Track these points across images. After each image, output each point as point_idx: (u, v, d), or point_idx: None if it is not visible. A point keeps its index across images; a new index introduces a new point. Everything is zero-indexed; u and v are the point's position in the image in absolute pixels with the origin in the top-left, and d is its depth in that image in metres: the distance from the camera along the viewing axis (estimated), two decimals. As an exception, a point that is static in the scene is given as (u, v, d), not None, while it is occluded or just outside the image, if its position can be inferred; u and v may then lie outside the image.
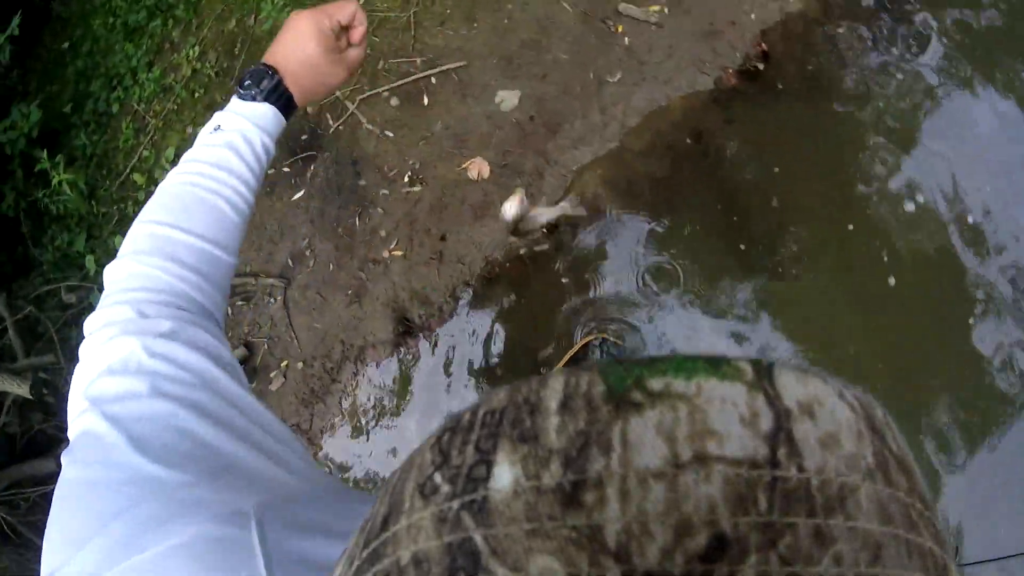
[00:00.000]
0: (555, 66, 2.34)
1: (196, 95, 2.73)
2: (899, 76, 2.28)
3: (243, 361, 2.50)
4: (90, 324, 0.63)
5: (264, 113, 0.77)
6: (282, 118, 0.80)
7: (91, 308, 2.38)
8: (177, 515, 0.44)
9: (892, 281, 2.11)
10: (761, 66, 2.29)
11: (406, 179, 2.39)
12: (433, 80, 2.45)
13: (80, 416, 0.53)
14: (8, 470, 2.59)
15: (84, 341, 0.61)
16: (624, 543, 0.17)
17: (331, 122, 2.55)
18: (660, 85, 2.29)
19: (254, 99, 0.76)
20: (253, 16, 2.75)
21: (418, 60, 2.48)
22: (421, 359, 2.38)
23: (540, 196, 2.30)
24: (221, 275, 0.72)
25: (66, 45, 2.89)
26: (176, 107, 2.75)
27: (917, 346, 2.06)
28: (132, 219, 2.49)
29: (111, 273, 0.68)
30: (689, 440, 0.19)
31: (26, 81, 2.94)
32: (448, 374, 2.35)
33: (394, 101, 2.47)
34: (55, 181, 2.57)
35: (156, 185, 2.62)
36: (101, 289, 2.39)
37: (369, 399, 2.44)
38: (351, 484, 2.45)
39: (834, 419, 0.20)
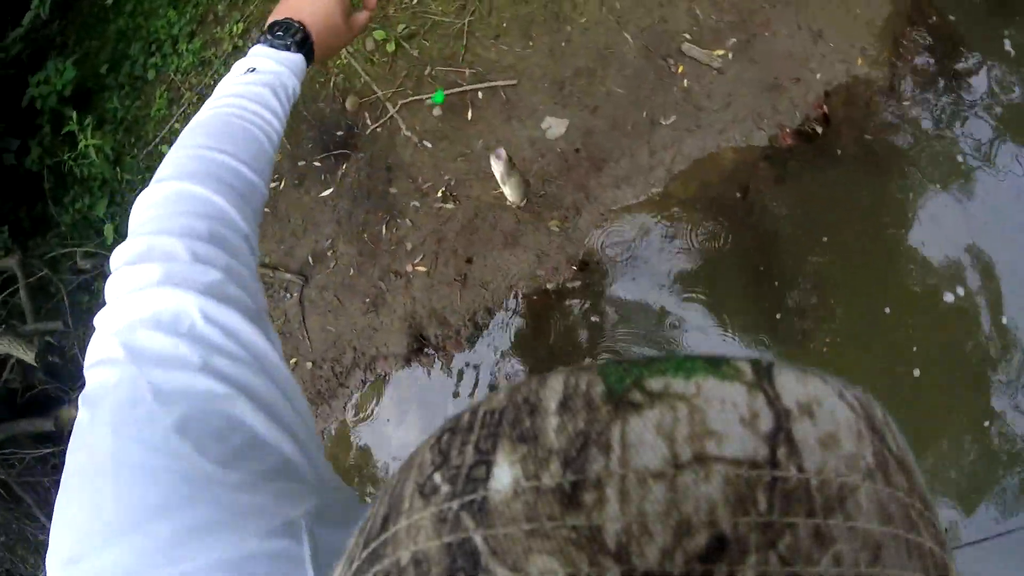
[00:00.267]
0: (608, 99, 2.26)
1: (235, 73, 2.65)
2: (958, 159, 2.20)
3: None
4: (128, 251, 0.54)
5: (296, 62, 0.78)
6: (305, 69, 0.83)
7: (105, 276, 2.31)
8: (229, 523, 0.39)
9: (917, 372, 2.05)
10: (820, 129, 2.21)
11: (439, 194, 2.33)
12: (480, 95, 2.37)
13: (110, 364, 0.46)
14: (6, 425, 2.58)
15: (119, 272, 0.53)
16: (624, 543, 0.17)
17: (369, 122, 2.48)
18: (714, 134, 2.22)
19: (288, 48, 0.78)
20: None
21: (467, 72, 2.40)
22: (431, 378, 2.34)
23: (575, 231, 2.24)
24: (259, 210, 0.69)
25: (109, 1, 2.81)
26: (213, 83, 2.67)
27: (930, 444, 2.02)
28: None
29: (150, 196, 0.60)
30: (689, 440, 0.19)
31: (65, 34, 2.86)
32: (455, 395, 2.31)
33: (437, 111, 2.39)
34: (82, 145, 2.52)
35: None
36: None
37: (373, 408, 2.41)
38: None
39: (834, 419, 0.20)
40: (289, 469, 0.46)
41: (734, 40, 2.24)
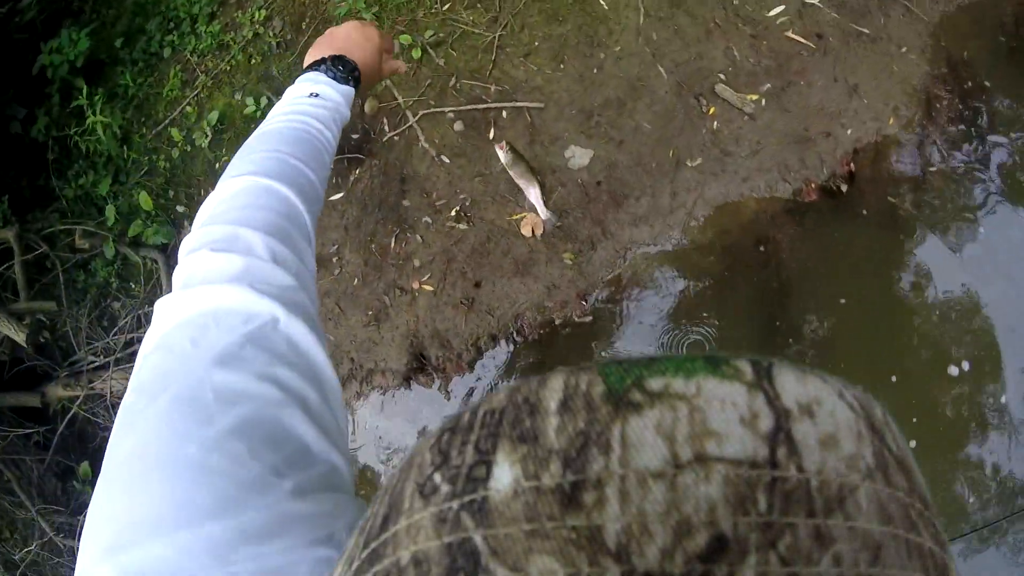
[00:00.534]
0: (635, 134, 2.21)
1: (252, 61, 2.57)
2: (980, 231, 2.17)
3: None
4: (213, 235, 0.55)
5: (349, 95, 0.86)
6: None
7: (103, 257, 2.24)
8: (277, 530, 0.39)
9: (914, 443, 2.05)
10: (844, 187, 2.17)
11: (453, 213, 2.28)
12: (504, 114, 2.31)
13: (172, 353, 0.46)
14: (-10, 395, 2.54)
15: (201, 254, 0.54)
16: (624, 543, 0.17)
17: (387, 128, 2.41)
18: (738, 182, 2.18)
19: (346, 82, 0.85)
20: (330, -6, 2.57)
21: (492, 88, 2.34)
22: (427, 399, 2.32)
23: (588, 266, 2.21)
24: (317, 221, 0.71)
25: (128, -32, 2.71)
26: (229, 68, 2.59)
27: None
28: (161, 172, 2.35)
29: (231, 186, 0.62)
30: (689, 440, 0.19)
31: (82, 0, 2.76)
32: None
33: (458, 125, 2.33)
34: (89, 121, 2.44)
35: (192, 146, 2.46)
36: (116, 239, 2.23)
37: (366, 422, 2.39)
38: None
39: (834, 419, 0.20)
40: (334, 481, 0.46)
41: (768, 86, 2.19)
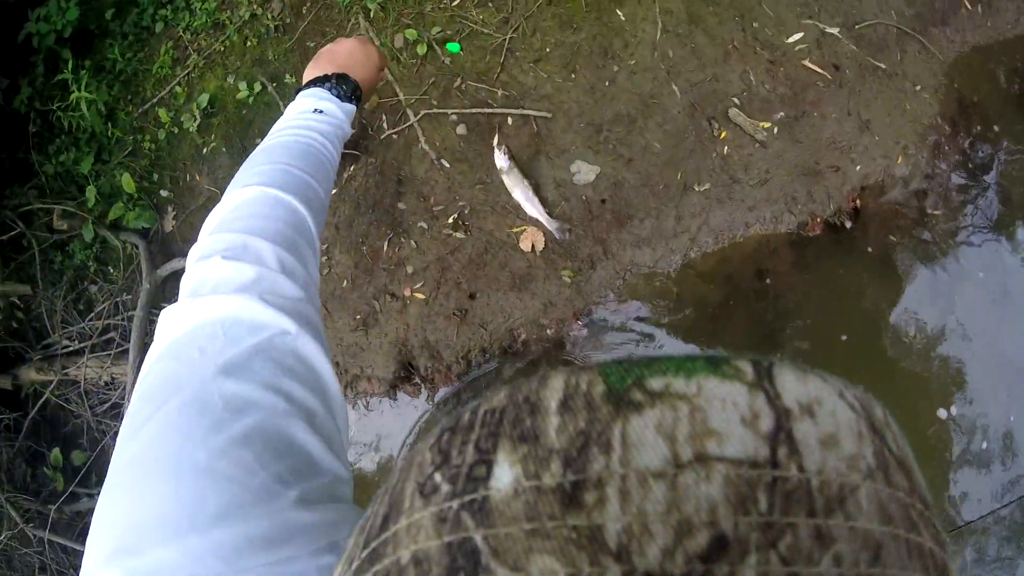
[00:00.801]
0: (644, 153, 2.15)
1: (248, 43, 2.45)
2: (980, 275, 2.17)
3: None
4: (224, 243, 0.56)
5: (351, 112, 0.89)
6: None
7: (81, 239, 2.17)
8: (283, 538, 0.39)
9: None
10: (848, 224, 2.15)
11: (450, 220, 2.22)
12: (510, 120, 2.24)
13: (180, 360, 0.46)
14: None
15: (213, 261, 0.54)
16: (624, 543, 0.17)
17: (386, 126, 2.33)
18: (744, 210, 2.14)
19: (349, 100, 0.88)
20: (334, -23, 2.45)
21: (499, 92, 2.26)
22: (411, 409, 2.27)
23: (587, 285, 2.16)
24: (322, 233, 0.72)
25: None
26: (223, 49, 2.47)
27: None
28: (146, 154, 2.26)
29: (240, 195, 0.63)
30: (689, 440, 0.19)
31: (69, -38, 2.60)
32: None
33: (461, 129, 2.26)
34: (74, 97, 2.32)
35: (180, 128, 2.36)
36: (96, 221, 2.17)
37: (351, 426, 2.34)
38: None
39: (834, 419, 0.20)
40: (337, 492, 0.46)
41: (782, 114, 2.14)
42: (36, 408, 2.41)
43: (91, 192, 2.37)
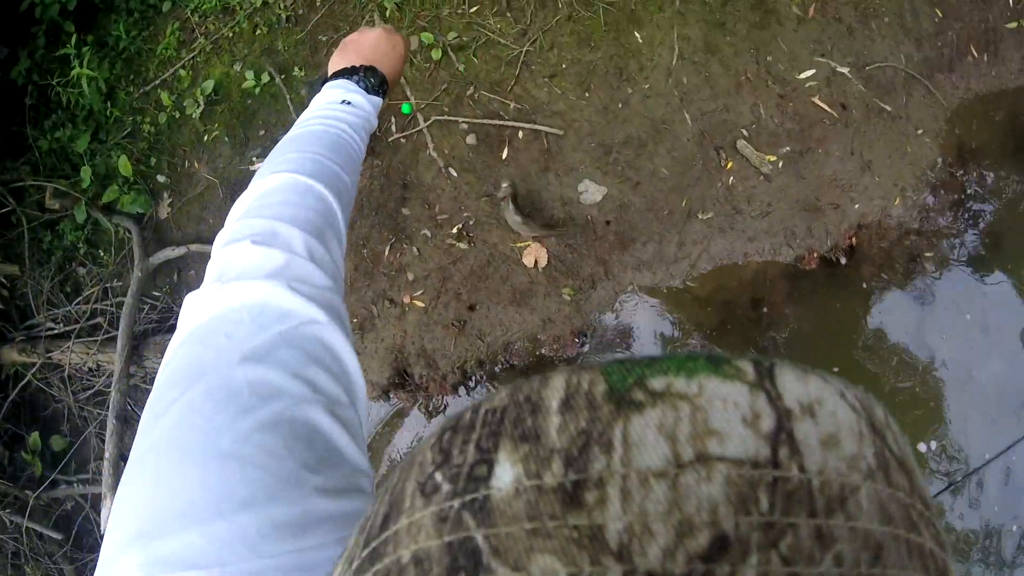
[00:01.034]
0: (651, 178, 2.17)
1: (258, 31, 2.40)
2: (967, 317, 2.25)
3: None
4: (253, 228, 0.55)
5: (378, 104, 0.87)
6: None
7: (73, 220, 2.13)
8: (308, 526, 0.39)
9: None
10: (844, 260, 2.21)
11: (454, 230, 2.22)
12: (520, 134, 2.24)
13: (206, 346, 0.46)
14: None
15: (242, 245, 0.53)
16: (625, 543, 0.17)
17: (395, 129, 2.31)
18: (744, 241, 2.18)
19: (376, 92, 0.86)
20: (350, -31, 2.41)
21: (512, 105, 2.25)
22: (401, 417, 2.28)
23: (586, 304, 2.19)
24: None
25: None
26: (231, 35, 2.42)
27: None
28: (145, 137, 2.23)
29: (270, 182, 0.62)
30: (691, 440, 0.19)
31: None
32: (420, 440, 2.27)
33: (471, 139, 2.25)
34: (74, 73, 2.25)
35: (182, 113, 2.32)
36: (89, 203, 2.14)
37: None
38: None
39: (835, 419, 0.20)
40: (359, 483, 0.46)
41: (788, 149, 2.18)
42: (16, 390, 2.35)
43: (86, 172, 2.31)
